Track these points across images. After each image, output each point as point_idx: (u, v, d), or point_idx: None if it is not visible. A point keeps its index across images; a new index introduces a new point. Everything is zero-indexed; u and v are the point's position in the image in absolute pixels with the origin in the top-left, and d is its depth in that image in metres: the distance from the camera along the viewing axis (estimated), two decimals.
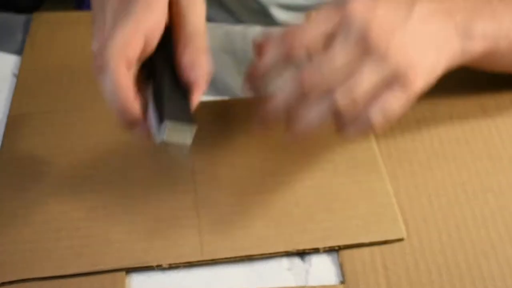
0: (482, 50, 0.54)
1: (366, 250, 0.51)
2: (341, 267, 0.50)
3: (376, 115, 0.48)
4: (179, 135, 0.42)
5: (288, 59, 0.50)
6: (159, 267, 0.50)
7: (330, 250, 0.51)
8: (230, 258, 0.51)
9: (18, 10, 0.76)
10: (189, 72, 0.47)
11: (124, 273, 0.50)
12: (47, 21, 0.70)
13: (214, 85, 0.65)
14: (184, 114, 0.43)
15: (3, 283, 0.49)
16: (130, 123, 0.46)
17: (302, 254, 0.51)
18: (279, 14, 0.78)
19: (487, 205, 0.54)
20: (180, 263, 0.50)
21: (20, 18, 0.72)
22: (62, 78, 0.64)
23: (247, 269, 0.51)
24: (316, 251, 0.51)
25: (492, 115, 0.61)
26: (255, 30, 0.71)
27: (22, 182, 0.55)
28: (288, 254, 0.51)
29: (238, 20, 0.82)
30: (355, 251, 0.51)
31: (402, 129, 0.59)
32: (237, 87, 0.65)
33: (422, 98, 0.51)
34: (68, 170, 0.56)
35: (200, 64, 0.48)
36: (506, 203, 0.54)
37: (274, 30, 0.50)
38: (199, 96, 0.48)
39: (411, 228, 0.52)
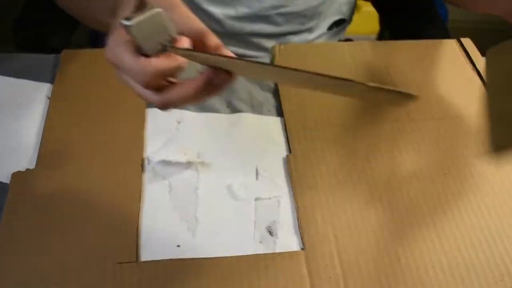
0: None
1: (321, 224, 0.65)
2: (302, 237, 0.64)
3: None
4: None
5: None
6: None
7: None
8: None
9: (47, 49, 0.86)
10: None
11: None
12: (74, 58, 0.81)
13: None
14: None
15: None
16: None
17: (270, 231, 0.65)
18: (208, 7, 0.86)
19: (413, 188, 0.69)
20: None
21: (50, 58, 0.83)
22: (89, 105, 0.76)
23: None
24: (281, 227, 0.65)
25: (414, 118, 0.76)
26: None
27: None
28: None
29: None
30: (312, 224, 0.65)
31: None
32: None
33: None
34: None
35: None
36: (427, 186, 0.69)
37: None
38: None
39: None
